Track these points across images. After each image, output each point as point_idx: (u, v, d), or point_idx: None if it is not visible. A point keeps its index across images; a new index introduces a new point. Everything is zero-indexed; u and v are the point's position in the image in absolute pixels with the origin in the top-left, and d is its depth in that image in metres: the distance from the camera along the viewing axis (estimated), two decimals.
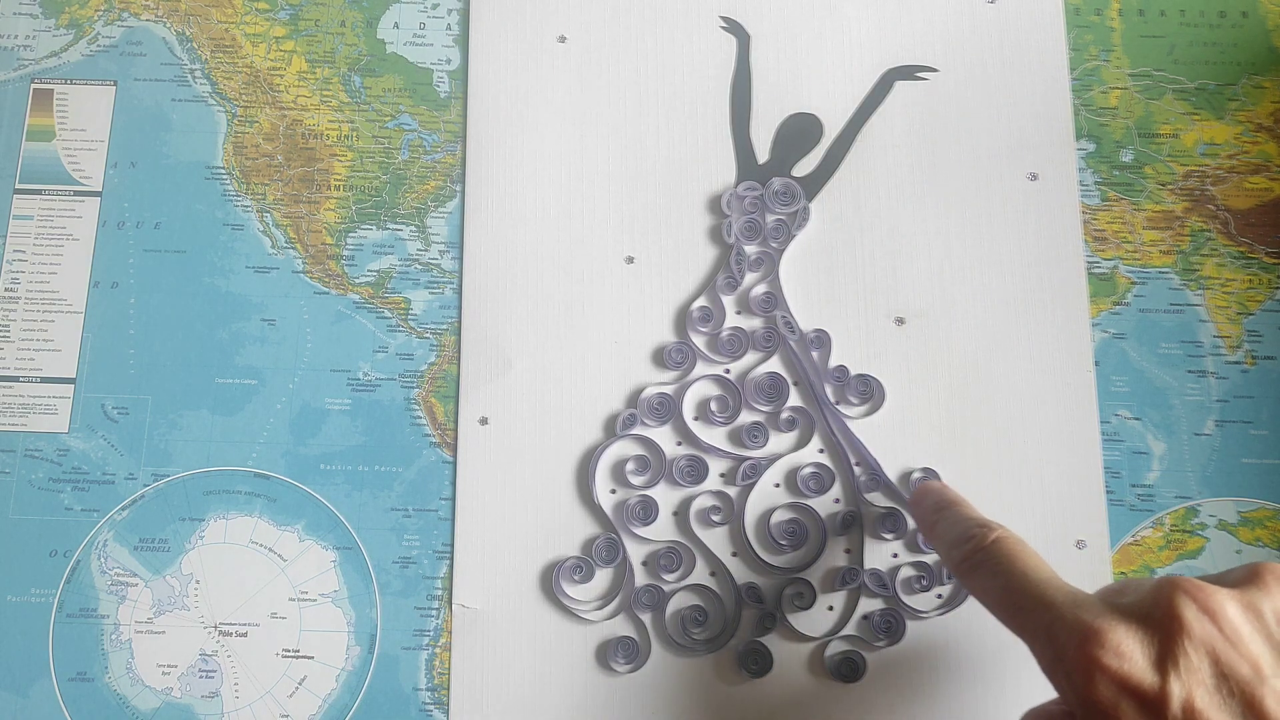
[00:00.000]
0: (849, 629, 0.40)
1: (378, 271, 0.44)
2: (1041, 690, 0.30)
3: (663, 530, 0.41)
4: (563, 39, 0.46)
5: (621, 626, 0.40)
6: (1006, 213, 0.44)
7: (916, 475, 0.41)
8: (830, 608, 0.40)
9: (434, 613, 0.40)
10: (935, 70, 0.45)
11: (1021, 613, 0.29)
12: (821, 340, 0.42)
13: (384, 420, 0.42)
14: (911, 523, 0.40)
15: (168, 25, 0.47)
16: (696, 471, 0.41)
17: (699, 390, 0.42)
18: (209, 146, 0.45)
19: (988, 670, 0.39)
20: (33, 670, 0.40)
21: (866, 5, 0.46)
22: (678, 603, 0.40)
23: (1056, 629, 0.28)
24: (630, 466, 0.41)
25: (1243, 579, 0.28)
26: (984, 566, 0.32)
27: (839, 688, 0.39)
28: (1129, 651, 0.26)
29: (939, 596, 0.40)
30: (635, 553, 0.40)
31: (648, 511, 0.41)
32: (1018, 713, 0.35)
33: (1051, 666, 0.28)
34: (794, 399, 0.42)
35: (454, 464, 0.41)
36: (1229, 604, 0.26)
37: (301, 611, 0.40)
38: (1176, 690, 0.25)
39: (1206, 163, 0.45)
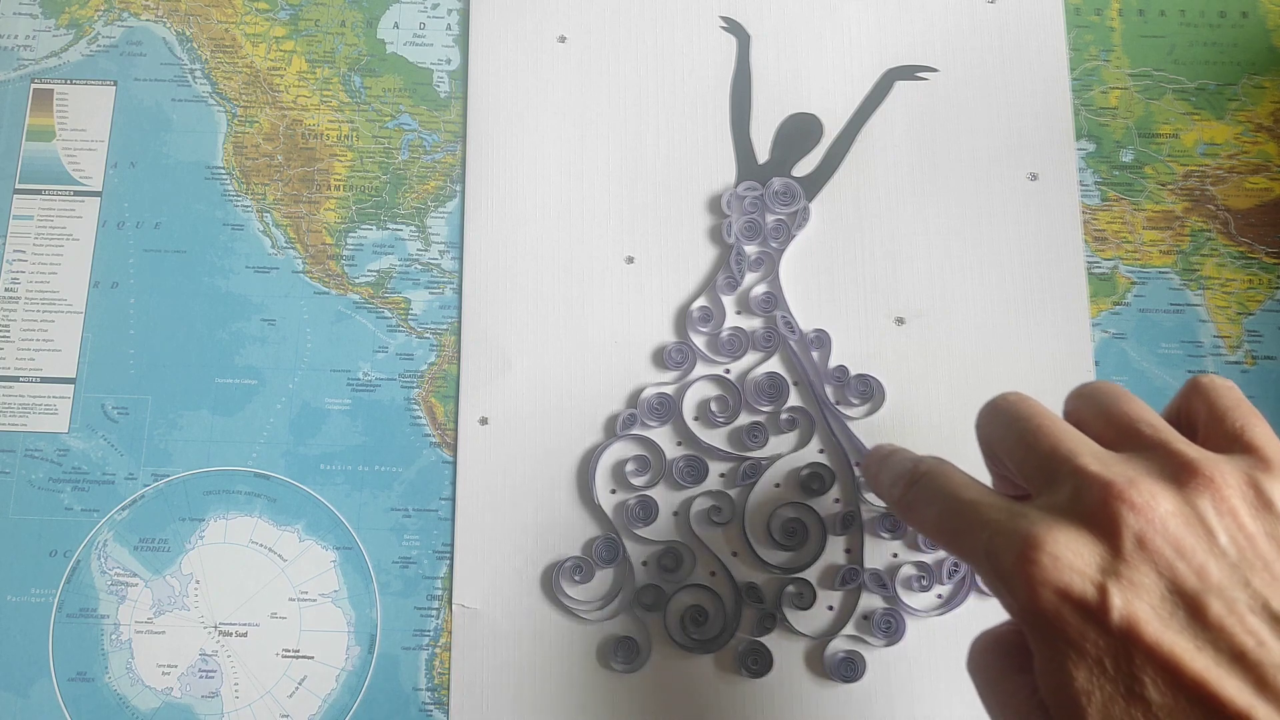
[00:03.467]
0: (849, 629, 0.40)
1: (378, 271, 0.44)
2: None
3: (663, 530, 0.41)
4: (563, 39, 0.46)
5: (621, 626, 0.40)
6: (1006, 213, 0.44)
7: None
8: (830, 607, 0.40)
9: (434, 613, 0.40)
10: (935, 70, 0.45)
11: (960, 534, 0.28)
12: (821, 340, 0.42)
13: (384, 420, 0.42)
14: None
15: (168, 25, 0.47)
16: (696, 472, 0.41)
17: (699, 390, 0.42)
18: (209, 146, 0.45)
19: None
20: (33, 670, 0.40)
21: (866, 5, 0.46)
22: (678, 603, 0.40)
23: (995, 544, 0.26)
24: (630, 467, 0.41)
25: (1177, 479, 0.26)
26: (918, 500, 0.31)
27: (839, 688, 0.39)
28: (1069, 557, 0.25)
29: (939, 596, 0.40)
30: (635, 553, 0.40)
31: (648, 512, 0.41)
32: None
33: (995, 584, 0.26)
34: (794, 399, 0.42)
35: (454, 464, 0.41)
36: (1171, 513, 0.25)
37: (301, 611, 0.40)
38: (1118, 601, 0.24)
39: (1206, 163, 0.45)
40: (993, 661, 0.28)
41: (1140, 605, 0.24)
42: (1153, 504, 0.25)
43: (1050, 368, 0.42)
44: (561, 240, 0.44)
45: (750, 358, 0.42)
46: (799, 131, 0.45)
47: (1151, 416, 0.29)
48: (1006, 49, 0.46)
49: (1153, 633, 0.24)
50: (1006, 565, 0.25)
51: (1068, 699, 0.24)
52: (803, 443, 0.41)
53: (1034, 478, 0.28)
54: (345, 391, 0.42)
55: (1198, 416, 0.29)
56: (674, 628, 0.40)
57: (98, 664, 0.40)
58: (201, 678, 0.40)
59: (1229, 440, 0.28)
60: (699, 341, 0.42)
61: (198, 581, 0.40)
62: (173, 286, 0.44)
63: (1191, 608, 0.24)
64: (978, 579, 0.39)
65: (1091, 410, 0.30)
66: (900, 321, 0.43)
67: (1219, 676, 0.23)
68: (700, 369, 0.42)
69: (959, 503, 0.29)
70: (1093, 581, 0.24)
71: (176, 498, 0.41)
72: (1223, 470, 0.26)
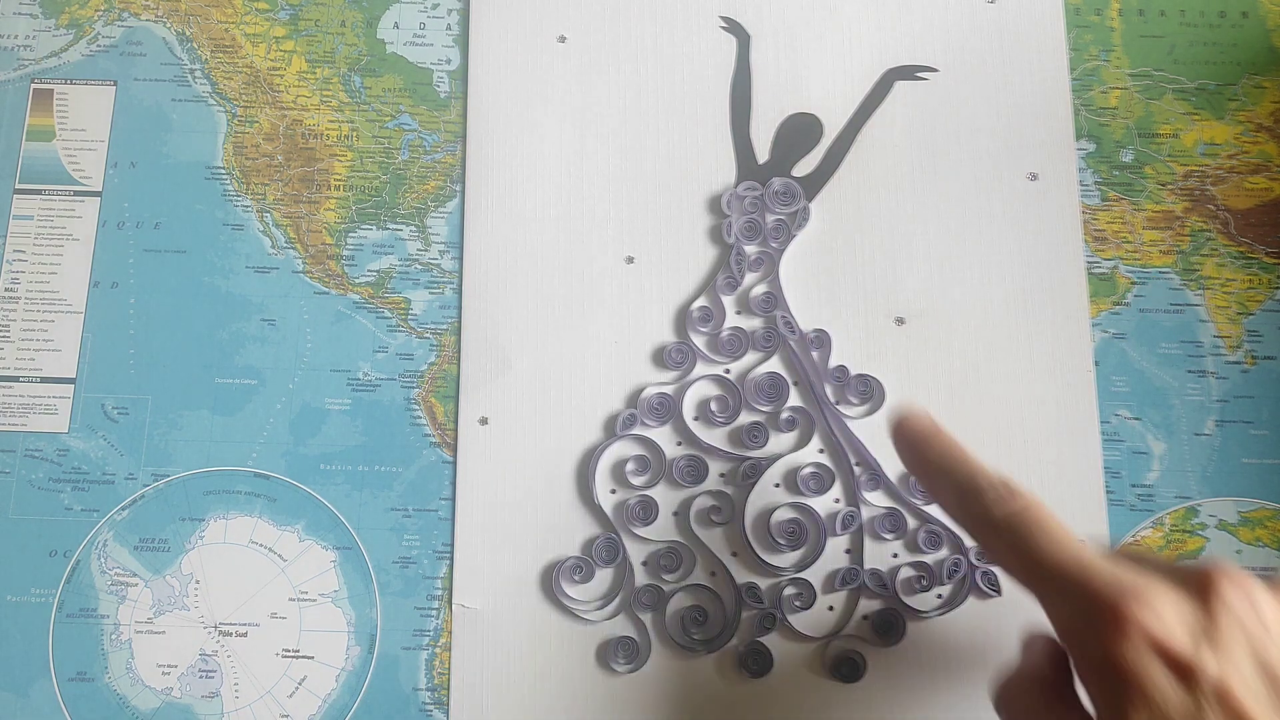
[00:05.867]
0: (849, 629, 0.40)
1: (378, 271, 0.44)
2: None
3: (663, 530, 0.41)
4: (563, 39, 0.46)
5: (621, 626, 0.40)
6: (1006, 213, 0.44)
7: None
8: (830, 608, 0.40)
9: (434, 613, 0.40)
10: (935, 70, 0.45)
11: (1053, 573, 0.28)
12: (821, 340, 0.42)
13: (384, 420, 0.42)
14: (913, 522, 0.40)
15: (168, 25, 0.47)
16: (696, 471, 0.41)
17: (699, 390, 0.42)
18: (209, 146, 0.45)
19: (988, 670, 0.39)
20: (33, 670, 0.40)
21: (866, 5, 0.46)
22: (678, 603, 0.40)
23: (1092, 586, 0.26)
24: (630, 466, 0.41)
25: (1271, 580, 0.27)
26: (1011, 529, 0.30)
27: (839, 688, 0.39)
28: (1167, 614, 0.25)
29: (939, 596, 0.40)
30: (635, 553, 0.40)
31: (648, 511, 0.41)
32: None
33: (1072, 622, 0.27)
34: (794, 399, 0.42)
35: (454, 464, 0.41)
36: (1266, 598, 0.26)
37: (301, 611, 0.40)
38: (1212, 665, 0.24)
39: (1206, 163, 0.45)
40: (1036, 701, 0.28)
41: (1233, 674, 0.24)
42: (1251, 585, 0.26)
43: (1050, 368, 0.42)
44: (561, 240, 0.44)
45: (750, 358, 0.42)
46: (799, 131, 0.45)
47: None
48: (1006, 49, 0.46)
49: (1238, 702, 0.24)
50: (1099, 605, 0.26)
51: None
52: (803, 443, 0.41)
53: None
54: (345, 391, 0.42)
55: None
56: (674, 628, 0.40)
57: (98, 664, 0.40)
58: (201, 678, 0.40)
59: None
60: (699, 341, 0.42)
61: (198, 581, 0.40)
62: (173, 286, 0.44)
63: (1277, 689, 0.24)
64: (980, 578, 0.39)
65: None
66: (900, 321, 0.43)
67: None
68: (700, 369, 0.42)
69: (1060, 544, 0.29)
70: (1187, 640, 0.25)
71: (176, 498, 0.41)
72: None
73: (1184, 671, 0.24)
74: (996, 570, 0.39)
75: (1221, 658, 0.25)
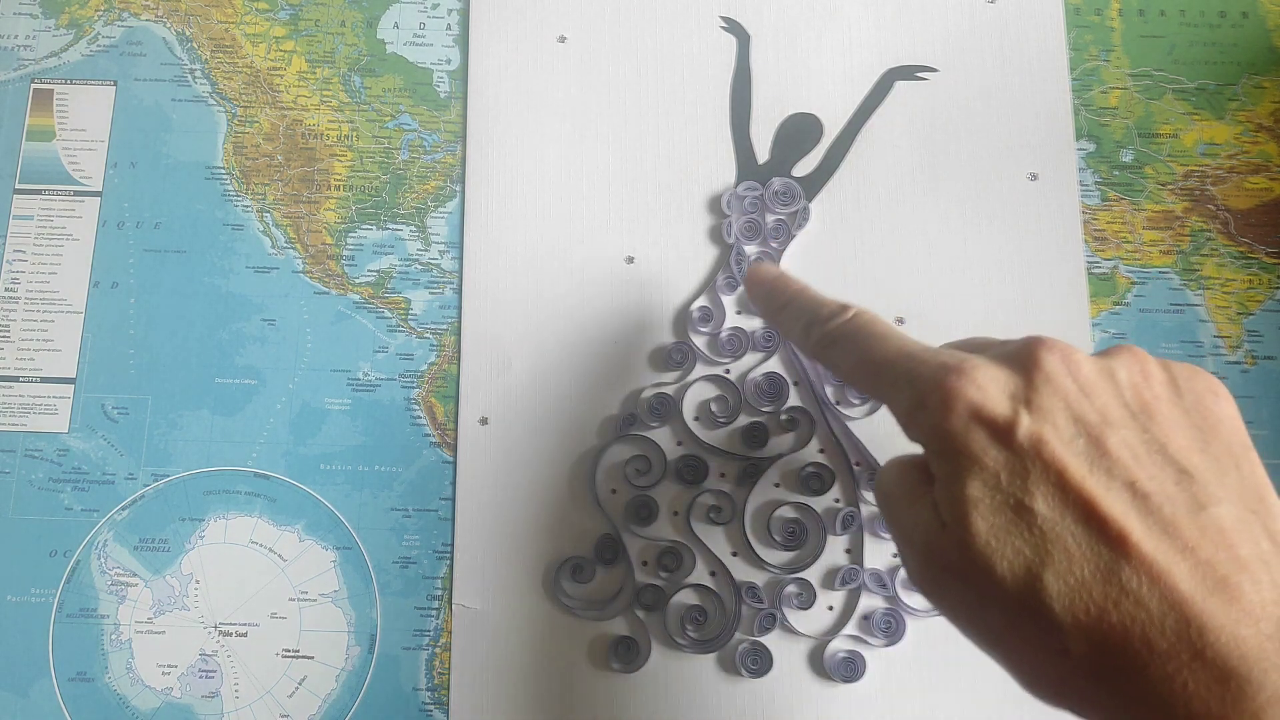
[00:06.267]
0: (849, 629, 0.40)
1: (378, 271, 0.44)
2: None
3: (663, 530, 0.41)
4: (563, 39, 0.46)
5: (621, 626, 0.40)
6: (1006, 213, 0.44)
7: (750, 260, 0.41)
8: (830, 607, 0.40)
9: (434, 613, 0.40)
10: (935, 70, 0.45)
11: (884, 368, 0.29)
12: None
13: (384, 420, 0.42)
14: None
15: (168, 25, 0.47)
16: (696, 472, 0.41)
17: (699, 390, 0.42)
18: (209, 146, 0.45)
19: (988, 670, 0.39)
20: (33, 670, 0.40)
21: (866, 5, 0.46)
22: (678, 603, 0.40)
23: (918, 371, 0.28)
24: (630, 467, 0.41)
25: (1102, 352, 0.28)
26: (845, 338, 0.32)
27: (839, 688, 0.39)
28: (987, 385, 0.26)
29: None
30: (635, 553, 0.40)
31: (648, 511, 0.41)
32: (1018, 713, 0.35)
33: (910, 410, 0.28)
34: (794, 399, 0.42)
35: (454, 464, 0.41)
36: (1087, 362, 0.27)
37: (301, 611, 0.40)
38: (1026, 421, 0.25)
39: (1206, 163, 0.45)
40: (897, 480, 0.29)
41: (1046, 427, 0.25)
42: (1071, 352, 0.27)
43: None
44: (561, 240, 0.44)
45: (750, 358, 0.42)
46: (799, 131, 0.45)
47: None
48: (1006, 49, 0.46)
49: (1053, 451, 0.25)
50: (926, 387, 0.27)
51: (958, 508, 0.25)
52: (803, 443, 0.41)
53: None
54: (345, 391, 0.42)
55: None
56: (674, 628, 0.40)
57: (98, 664, 0.40)
58: (201, 678, 0.40)
59: None
60: (699, 341, 0.42)
61: (198, 581, 0.40)
62: (173, 286, 0.44)
63: (1092, 438, 0.25)
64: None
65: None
66: (900, 321, 0.43)
67: (1106, 497, 0.24)
68: (700, 369, 0.42)
69: (888, 342, 0.30)
70: (1006, 404, 0.26)
71: (176, 498, 0.41)
72: (1144, 353, 0.28)
73: (1002, 430, 0.26)
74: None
75: (1036, 416, 0.26)
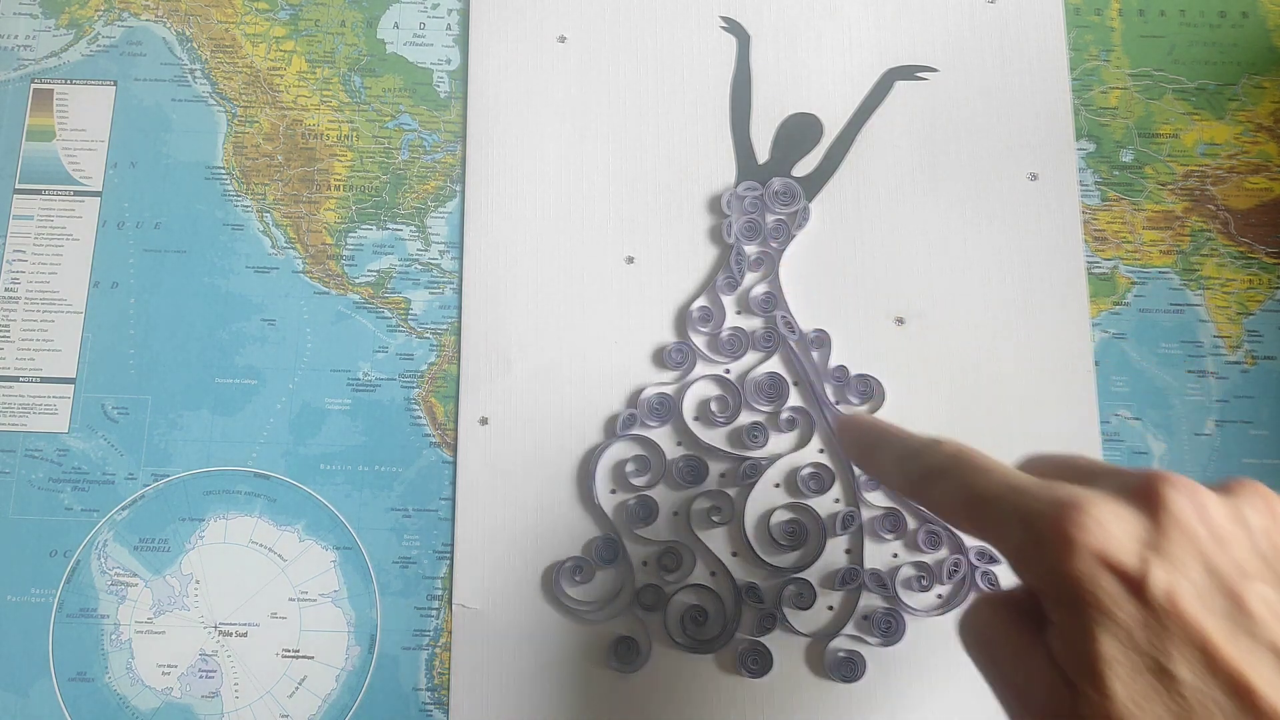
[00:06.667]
0: (849, 629, 0.40)
1: (378, 271, 0.44)
2: None
3: (663, 530, 0.41)
4: (563, 39, 0.46)
5: (621, 626, 0.40)
6: (1006, 213, 0.44)
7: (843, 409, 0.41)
8: (830, 607, 0.40)
9: (434, 613, 0.40)
10: (935, 70, 0.45)
11: (990, 503, 0.27)
12: (821, 340, 0.42)
13: (384, 420, 0.42)
14: (912, 522, 0.40)
15: (168, 25, 0.47)
16: (696, 472, 0.41)
17: (699, 390, 0.42)
18: (209, 146, 0.45)
19: None
20: (33, 670, 0.40)
21: (866, 5, 0.46)
22: (678, 603, 0.40)
23: (1030, 507, 0.25)
24: (630, 467, 0.41)
25: (1222, 487, 0.26)
26: (944, 473, 0.29)
27: (839, 688, 0.39)
28: (1111, 525, 0.24)
29: (939, 596, 0.40)
30: (635, 553, 0.40)
31: (648, 512, 0.41)
32: None
33: (1022, 549, 0.25)
34: (794, 399, 0.42)
35: (454, 464, 0.41)
36: (1215, 504, 0.25)
37: (301, 611, 0.40)
38: (1160, 575, 0.23)
39: (1206, 163, 0.45)
40: (999, 624, 0.27)
41: (1182, 582, 0.23)
42: (1198, 492, 0.25)
43: (1050, 368, 0.42)
44: (561, 240, 0.44)
45: (750, 358, 0.42)
46: (799, 131, 0.45)
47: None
48: (1006, 49, 0.46)
49: (1192, 612, 0.23)
50: (1042, 525, 0.25)
51: (1091, 666, 0.23)
52: (803, 443, 0.41)
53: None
54: (345, 391, 0.42)
55: None
56: (674, 628, 0.40)
57: (98, 664, 0.40)
58: (201, 678, 0.40)
59: None
60: (699, 341, 0.42)
61: (198, 581, 0.40)
62: (173, 286, 0.44)
63: (1230, 596, 0.23)
64: (980, 578, 0.39)
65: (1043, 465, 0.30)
66: (900, 321, 0.43)
67: (1255, 666, 0.23)
68: (700, 369, 0.42)
69: (992, 477, 0.28)
70: (1135, 551, 0.24)
71: (176, 498, 0.41)
72: (1268, 490, 0.26)
73: (1134, 582, 0.23)
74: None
75: (1170, 569, 0.24)
